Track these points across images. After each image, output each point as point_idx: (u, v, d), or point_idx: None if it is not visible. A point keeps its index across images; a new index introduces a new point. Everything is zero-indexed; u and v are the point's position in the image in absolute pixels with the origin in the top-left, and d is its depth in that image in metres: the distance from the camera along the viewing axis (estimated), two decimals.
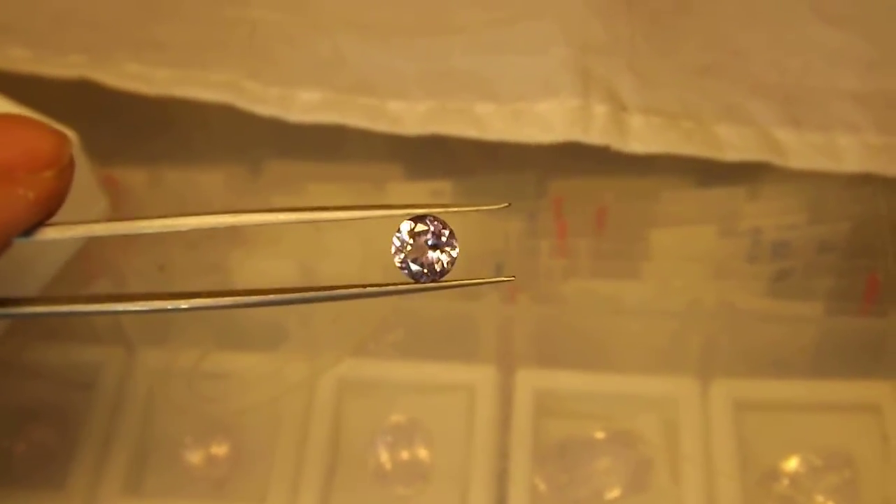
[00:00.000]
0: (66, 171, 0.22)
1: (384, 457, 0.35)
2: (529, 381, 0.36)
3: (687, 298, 0.36)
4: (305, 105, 0.39)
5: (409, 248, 0.22)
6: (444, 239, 0.22)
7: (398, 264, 0.22)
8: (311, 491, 0.34)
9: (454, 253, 0.23)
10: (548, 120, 0.37)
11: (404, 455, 0.35)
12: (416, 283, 0.23)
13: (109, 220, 0.24)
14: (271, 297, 0.23)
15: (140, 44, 0.41)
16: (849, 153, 0.36)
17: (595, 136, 0.36)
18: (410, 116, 0.38)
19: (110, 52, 0.40)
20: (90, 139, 0.38)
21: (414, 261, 0.22)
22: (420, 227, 0.22)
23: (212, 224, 0.23)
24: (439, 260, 0.22)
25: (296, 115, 0.38)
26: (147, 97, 0.40)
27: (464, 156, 0.40)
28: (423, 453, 0.35)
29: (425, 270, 0.22)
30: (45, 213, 0.22)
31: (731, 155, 0.36)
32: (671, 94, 0.37)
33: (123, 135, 0.42)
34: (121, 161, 0.41)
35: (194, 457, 0.36)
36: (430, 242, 0.22)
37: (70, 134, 0.37)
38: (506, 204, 0.23)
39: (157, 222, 0.23)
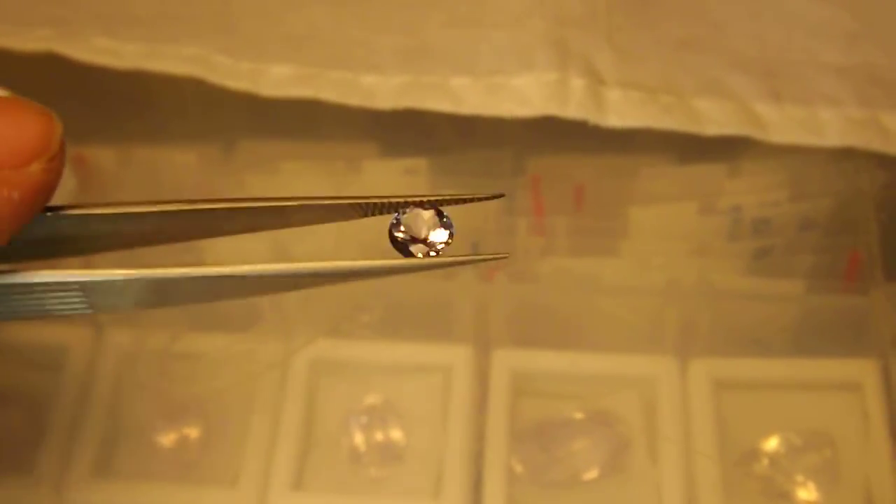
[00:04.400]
0: (55, 160, 0.19)
1: (358, 438, 0.35)
2: (506, 360, 0.35)
3: (666, 277, 0.36)
4: (277, 79, 0.38)
5: (405, 226, 0.22)
6: (441, 219, 0.22)
7: (394, 239, 0.22)
8: (283, 473, 0.34)
9: (449, 232, 0.22)
10: (524, 94, 0.36)
11: (379, 436, 0.35)
12: (411, 258, 0.22)
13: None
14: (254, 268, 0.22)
15: (109, 18, 0.40)
16: (830, 127, 0.36)
17: (572, 110, 0.36)
18: (384, 90, 0.37)
19: (78, 25, 0.39)
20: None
21: (410, 239, 0.22)
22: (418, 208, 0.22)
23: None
24: (433, 241, 0.22)
25: (267, 90, 0.38)
26: (118, 75, 0.40)
27: (440, 134, 0.39)
28: (397, 435, 0.35)
29: (421, 246, 0.22)
30: (33, 211, 0.20)
31: (711, 129, 0.36)
32: (650, 67, 0.37)
33: (94, 113, 0.41)
34: (91, 140, 0.40)
35: (165, 439, 0.35)
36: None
37: None
38: (501, 193, 0.23)
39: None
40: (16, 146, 0.19)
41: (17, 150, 0.19)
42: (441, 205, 0.22)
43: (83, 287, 0.21)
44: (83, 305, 0.22)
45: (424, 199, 0.22)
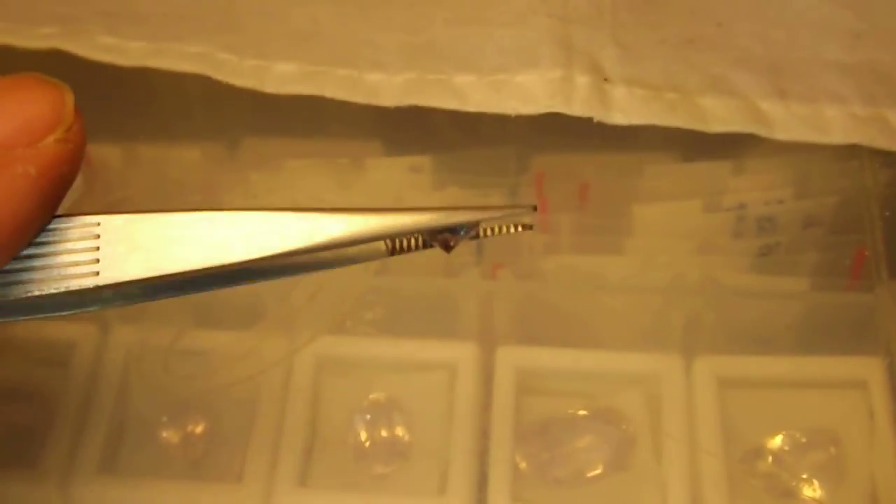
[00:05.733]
0: (72, 131, 0.19)
1: (363, 435, 0.35)
2: (510, 358, 0.35)
3: (670, 274, 0.36)
4: (281, 76, 0.38)
5: None
6: None
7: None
8: (288, 470, 0.34)
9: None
10: (529, 91, 0.36)
11: (383, 433, 0.35)
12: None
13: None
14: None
15: (114, 15, 0.40)
16: (835, 124, 0.35)
17: (577, 107, 0.36)
18: (388, 88, 0.37)
19: (83, 23, 0.39)
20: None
21: None
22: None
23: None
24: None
25: (272, 87, 0.38)
26: (123, 73, 0.40)
27: (444, 131, 0.39)
28: (402, 432, 0.35)
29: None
30: (59, 183, 0.19)
31: (716, 126, 0.36)
32: (655, 65, 0.37)
33: (99, 111, 0.41)
34: (96, 138, 0.40)
35: (171, 436, 0.35)
36: None
37: None
38: (533, 206, 0.23)
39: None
40: (24, 123, 0.19)
41: (26, 128, 0.19)
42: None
43: (101, 236, 0.21)
44: (93, 272, 0.21)
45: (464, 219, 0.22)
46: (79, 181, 0.39)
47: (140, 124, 0.41)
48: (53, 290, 0.21)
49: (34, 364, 0.37)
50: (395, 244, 0.23)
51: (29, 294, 0.21)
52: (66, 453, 0.34)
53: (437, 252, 0.35)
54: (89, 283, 0.21)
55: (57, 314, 0.23)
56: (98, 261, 0.21)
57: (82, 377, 0.36)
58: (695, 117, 0.36)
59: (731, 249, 0.36)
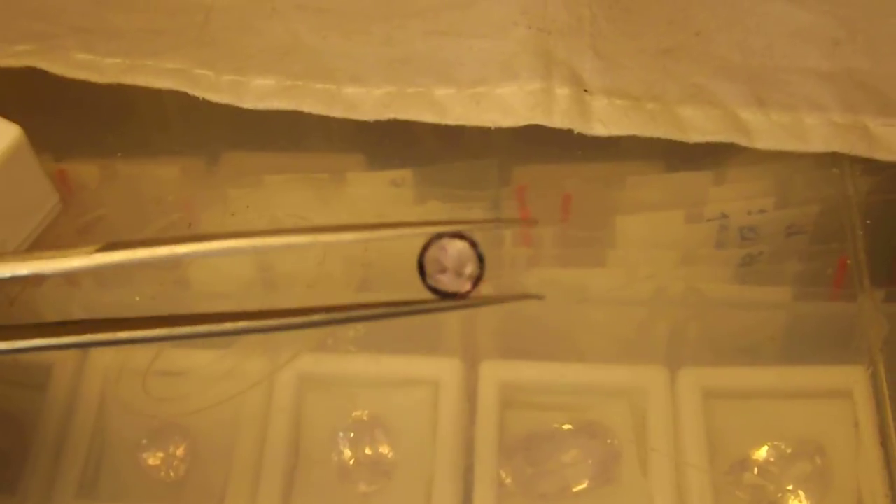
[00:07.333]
0: None
1: (346, 454, 0.34)
2: (494, 373, 0.35)
3: (654, 286, 0.36)
4: (259, 91, 0.38)
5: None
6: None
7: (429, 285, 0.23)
8: (270, 490, 0.33)
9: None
10: (509, 104, 0.36)
11: (367, 451, 0.34)
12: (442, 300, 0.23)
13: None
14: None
15: (89, 32, 0.39)
16: (815, 132, 0.35)
17: (557, 119, 0.36)
18: (367, 102, 0.37)
19: (58, 40, 0.39)
20: (43, 134, 0.36)
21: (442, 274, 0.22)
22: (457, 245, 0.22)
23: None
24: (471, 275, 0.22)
25: (249, 102, 0.38)
26: (100, 89, 0.39)
27: (425, 144, 0.39)
28: (385, 449, 0.34)
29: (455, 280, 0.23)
30: None
31: (696, 136, 0.36)
32: (634, 76, 0.37)
33: (76, 128, 0.41)
34: (73, 155, 0.40)
35: (151, 458, 0.35)
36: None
37: (17, 128, 0.36)
38: (535, 220, 0.23)
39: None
40: None
41: None
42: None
43: None
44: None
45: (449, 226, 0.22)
46: (56, 200, 0.39)
47: (117, 141, 0.40)
48: (51, 271, 0.22)
49: (11, 387, 0.36)
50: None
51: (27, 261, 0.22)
52: (44, 477, 0.34)
53: (415, 267, 0.35)
54: (86, 258, 0.22)
55: (41, 342, 0.23)
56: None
57: (60, 399, 0.35)
58: (675, 128, 0.36)
59: (713, 259, 0.36)
